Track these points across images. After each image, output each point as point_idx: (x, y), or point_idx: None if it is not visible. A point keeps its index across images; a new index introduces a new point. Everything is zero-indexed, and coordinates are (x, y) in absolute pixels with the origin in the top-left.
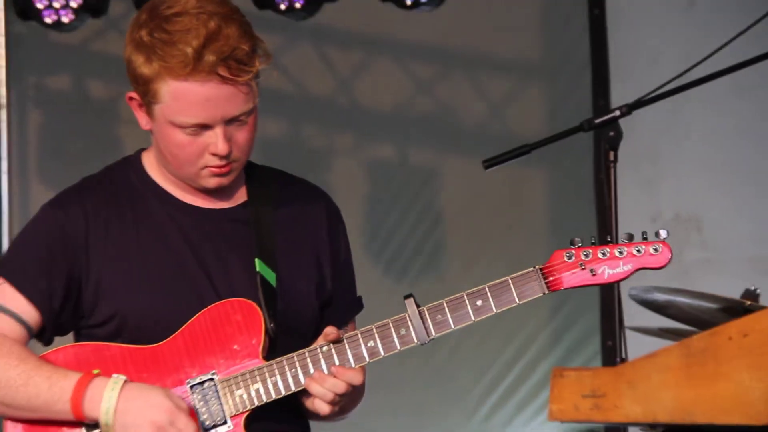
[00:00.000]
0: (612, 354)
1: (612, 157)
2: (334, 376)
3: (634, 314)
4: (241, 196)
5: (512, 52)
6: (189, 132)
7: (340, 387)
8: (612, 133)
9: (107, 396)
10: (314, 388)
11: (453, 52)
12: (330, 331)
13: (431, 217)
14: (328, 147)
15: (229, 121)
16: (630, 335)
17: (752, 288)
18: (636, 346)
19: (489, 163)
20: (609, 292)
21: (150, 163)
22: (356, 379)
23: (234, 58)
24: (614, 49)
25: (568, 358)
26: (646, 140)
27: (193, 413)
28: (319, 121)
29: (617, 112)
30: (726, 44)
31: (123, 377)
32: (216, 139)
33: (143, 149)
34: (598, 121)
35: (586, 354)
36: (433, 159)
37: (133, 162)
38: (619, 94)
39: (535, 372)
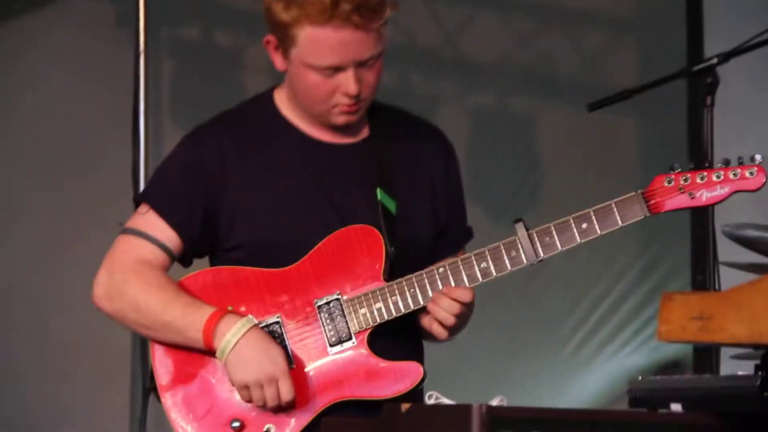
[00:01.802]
0: (702, 288)
1: (709, 102)
2: (446, 296)
3: (722, 251)
4: (364, 132)
5: (607, 6)
6: (323, 73)
7: (455, 307)
8: (709, 80)
9: (234, 330)
10: (433, 309)
11: (551, 7)
12: None
13: (529, 161)
14: (433, 95)
15: (360, 64)
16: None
17: None
18: (725, 281)
19: (593, 106)
20: (701, 228)
21: (281, 101)
22: (465, 296)
23: (366, 6)
24: (707, 3)
25: (656, 293)
26: (734, 90)
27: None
28: (426, 71)
29: (715, 60)
30: None
31: (254, 321)
32: (347, 80)
33: (274, 87)
34: (697, 68)
35: (675, 288)
36: (532, 107)
37: (266, 99)
38: (711, 48)
39: (625, 304)
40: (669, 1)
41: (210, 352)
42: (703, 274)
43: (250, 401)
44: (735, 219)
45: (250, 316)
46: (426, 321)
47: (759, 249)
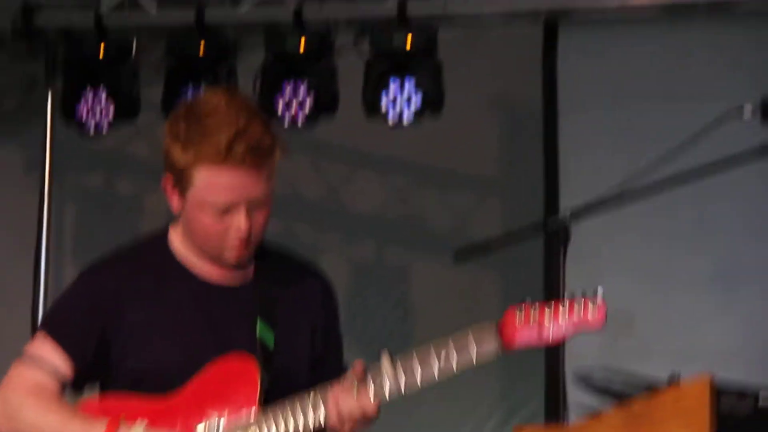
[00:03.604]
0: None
1: (562, 254)
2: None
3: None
4: (250, 269)
5: (474, 166)
6: (217, 212)
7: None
8: (562, 234)
9: None
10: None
11: (424, 166)
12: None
13: (402, 308)
14: (316, 244)
15: (251, 203)
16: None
17: (676, 372)
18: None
19: (459, 257)
20: (554, 370)
21: (175, 239)
22: (371, 408)
23: (258, 148)
24: (564, 167)
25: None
26: (588, 243)
27: None
28: (310, 221)
29: (568, 214)
30: (658, 164)
31: (144, 422)
32: (240, 219)
33: (170, 224)
34: (552, 221)
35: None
36: (406, 258)
37: (161, 236)
38: (566, 203)
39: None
40: (529, 161)
41: None
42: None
43: None
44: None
45: (138, 420)
46: None
47: (606, 392)
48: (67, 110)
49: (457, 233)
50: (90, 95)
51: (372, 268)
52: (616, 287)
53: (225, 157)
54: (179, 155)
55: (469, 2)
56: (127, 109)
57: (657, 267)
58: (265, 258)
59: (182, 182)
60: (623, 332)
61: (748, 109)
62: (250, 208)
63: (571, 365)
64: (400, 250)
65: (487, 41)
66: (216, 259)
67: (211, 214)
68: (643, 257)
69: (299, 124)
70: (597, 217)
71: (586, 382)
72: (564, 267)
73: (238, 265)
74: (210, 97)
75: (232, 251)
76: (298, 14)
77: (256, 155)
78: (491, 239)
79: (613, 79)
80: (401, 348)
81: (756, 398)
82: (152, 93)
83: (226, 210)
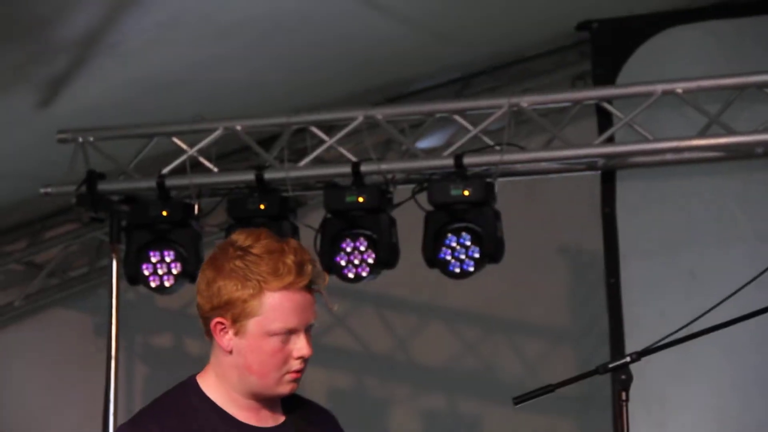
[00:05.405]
0: None
1: (624, 397)
2: None
3: None
4: (279, 410)
5: (544, 315)
6: (280, 339)
7: None
8: (623, 377)
9: None
10: None
11: (493, 317)
12: None
13: None
14: (387, 397)
15: (306, 328)
16: None
17: None
18: None
19: (518, 400)
20: None
21: (207, 385)
22: None
23: (317, 270)
24: (628, 312)
25: None
26: (655, 385)
27: None
28: (380, 375)
29: (628, 358)
30: (721, 302)
31: None
32: (302, 343)
33: (195, 375)
34: (611, 365)
35: None
36: (478, 408)
37: (191, 385)
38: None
39: None
40: (597, 307)
41: None
42: None
43: None
44: None
45: None
46: None
47: None
48: (131, 273)
49: (529, 381)
50: (155, 257)
51: (444, 419)
52: (684, 430)
53: (295, 277)
54: (239, 290)
55: (526, 151)
56: (192, 270)
57: (726, 410)
58: (287, 400)
59: (243, 316)
60: None
61: None
62: (306, 334)
63: None
64: (472, 401)
65: (546, 188)
66: (269, 393)
67: (276, 342)
68: (711, 399)
69: (361, 278)
70: (663, 359)
71: None
72: (627, 412)
73: (267, 409)
74: (244, 236)
75: (288, 382)
76: (356, 170)
77: (315, 277)
78: (548, 385)
79: (673, 221)
80: None
81: None
82: None
83: (289, 335)
